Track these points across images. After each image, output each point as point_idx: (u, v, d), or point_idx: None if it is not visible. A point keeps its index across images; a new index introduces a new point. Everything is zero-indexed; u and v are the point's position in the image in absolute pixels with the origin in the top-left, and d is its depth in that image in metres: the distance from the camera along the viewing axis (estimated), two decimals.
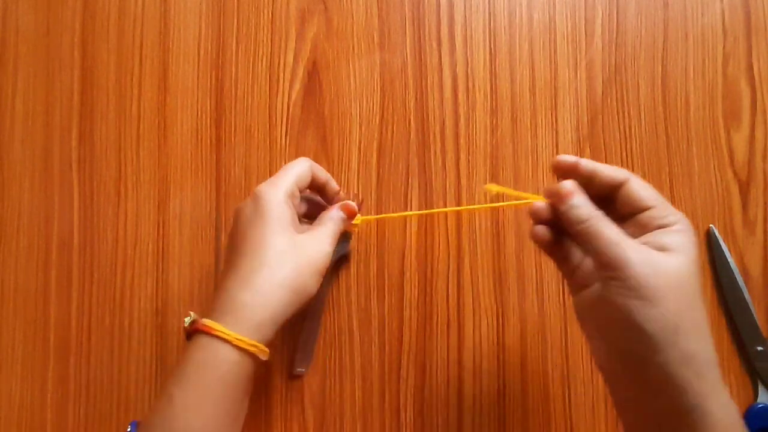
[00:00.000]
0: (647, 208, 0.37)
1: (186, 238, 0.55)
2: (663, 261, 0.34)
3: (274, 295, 0.40)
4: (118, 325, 0.54)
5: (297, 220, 0.46)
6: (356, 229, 0.51)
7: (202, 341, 0.39)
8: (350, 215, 0.48)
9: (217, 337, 0.39)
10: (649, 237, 0.37)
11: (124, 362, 0.54)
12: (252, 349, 0.39)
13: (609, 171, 0.39)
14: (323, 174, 0.49)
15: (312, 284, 0.42)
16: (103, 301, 0.55)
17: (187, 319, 0.41)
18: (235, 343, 0.38)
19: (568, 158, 0.39)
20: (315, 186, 0.49)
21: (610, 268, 0.35)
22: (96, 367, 0.54)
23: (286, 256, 0.41)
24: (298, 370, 0.53)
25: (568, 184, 0.38)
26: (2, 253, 0.55)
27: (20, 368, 0.54)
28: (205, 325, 0.39)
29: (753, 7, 0.57)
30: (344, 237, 0.51)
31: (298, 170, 0.46)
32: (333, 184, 0.50)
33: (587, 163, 0.39)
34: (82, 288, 0.55)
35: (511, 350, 0.54)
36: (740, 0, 0.58)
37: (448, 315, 0.54)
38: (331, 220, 0.46)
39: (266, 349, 0.40)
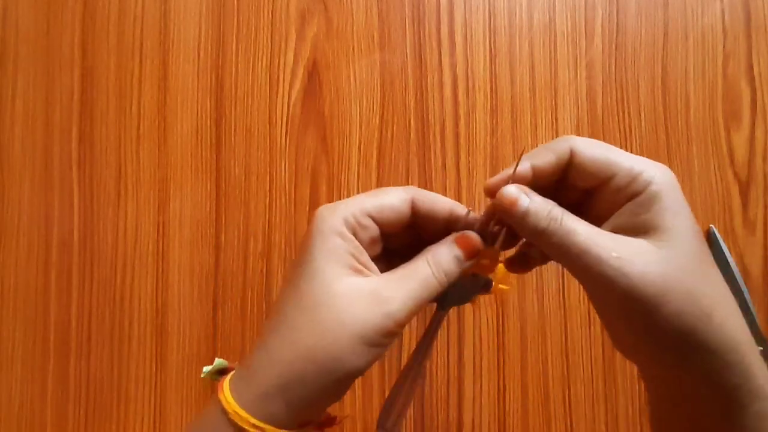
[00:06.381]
0: (608, 179, 0.30)
1: (186, 238, 0.55)
2: (643, 258, 0.28)
3: (288, 364, 0.30)
4: (118, 325, 0.54)
5: (365, 260, 0.32)
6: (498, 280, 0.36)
7: (213, 399, 0.31)
8: (469, 253, 0.32)
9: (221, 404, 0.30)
10: (620, 218, 0.30)
11: (124, 362, 0.54)
12: (251, 430, 0.29)
13: (545, 156, 0.31)
14: (440, 204, 0.33)
15: (351, 358, 0.30)
16: (103, 301, 0.55)
17: (206, 369, 0.33)
18: (232, 417, 0.29)
19: (497, 178, 0.32)
20: (429, 223, 0.33)
21: (594, 297, 0.30)
22: (96, 367, 0.54)
23: (313, 312, 0.30)
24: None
25: (509, 190, 0.30)
26: (2, 253, 0.55)
27: (20, 368, 0.54)
28: (219, 384, 0.31)
29: (753, 7, 0.57)
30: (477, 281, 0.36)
31: (384, 199, 0.32)
32: (457, 210, 0.33)
33: (521, 167, 0.32)
34: (82, 288, 0.55)
35: (511, 350, 0.54)
36: (740, 0, 0.58)
37: (447, 315, 0.54)
38: (425, 263, 0.32)
39: None
